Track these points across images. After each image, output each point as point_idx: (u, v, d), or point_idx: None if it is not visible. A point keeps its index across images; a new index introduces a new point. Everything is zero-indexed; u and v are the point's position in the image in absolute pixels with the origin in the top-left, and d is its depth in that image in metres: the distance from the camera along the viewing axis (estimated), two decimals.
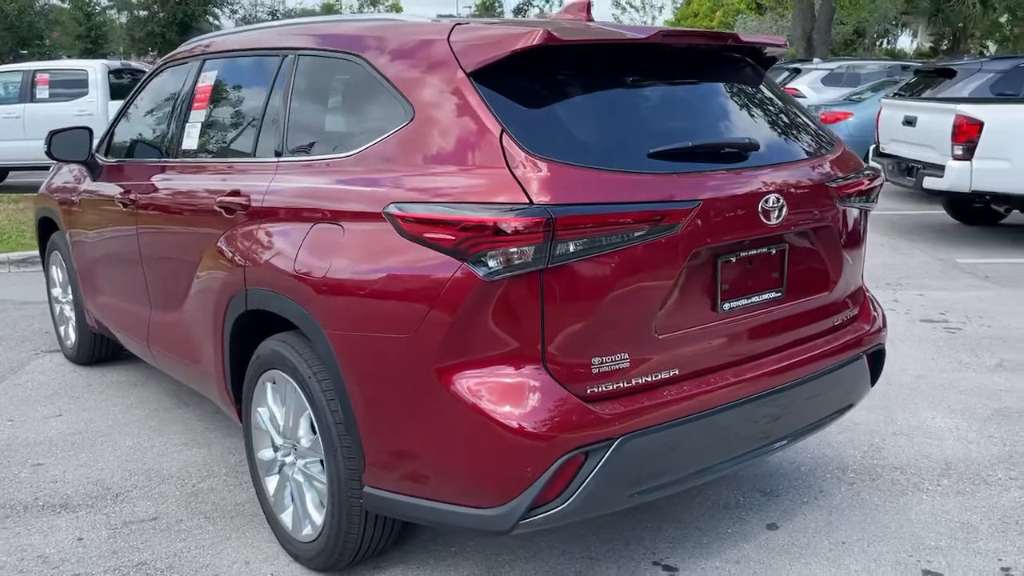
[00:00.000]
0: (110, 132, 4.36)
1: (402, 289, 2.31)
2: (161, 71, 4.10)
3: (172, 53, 4.09)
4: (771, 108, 2.81)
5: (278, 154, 2.94)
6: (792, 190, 2.54)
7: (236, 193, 3.02)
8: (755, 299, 2.56)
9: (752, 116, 2.72)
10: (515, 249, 2.13)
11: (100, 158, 4.32)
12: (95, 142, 4.30)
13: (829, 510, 3.29)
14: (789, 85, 15.59)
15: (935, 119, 8.06)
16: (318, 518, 2.78)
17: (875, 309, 3.09)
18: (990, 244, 8.55)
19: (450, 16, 2.95)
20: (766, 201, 2.46)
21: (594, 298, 2.23)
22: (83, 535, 3.16)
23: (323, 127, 2.82)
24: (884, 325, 3.06)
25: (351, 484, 2.59)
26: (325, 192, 2.62)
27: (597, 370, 2.27)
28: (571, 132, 2.34)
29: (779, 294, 2.62)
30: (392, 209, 2.36)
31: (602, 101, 2.45)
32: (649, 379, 2.36)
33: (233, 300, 2.99)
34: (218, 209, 3.09)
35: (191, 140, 3.52)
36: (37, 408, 4.39)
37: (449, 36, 2.47)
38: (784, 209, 2.50)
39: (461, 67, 2.38)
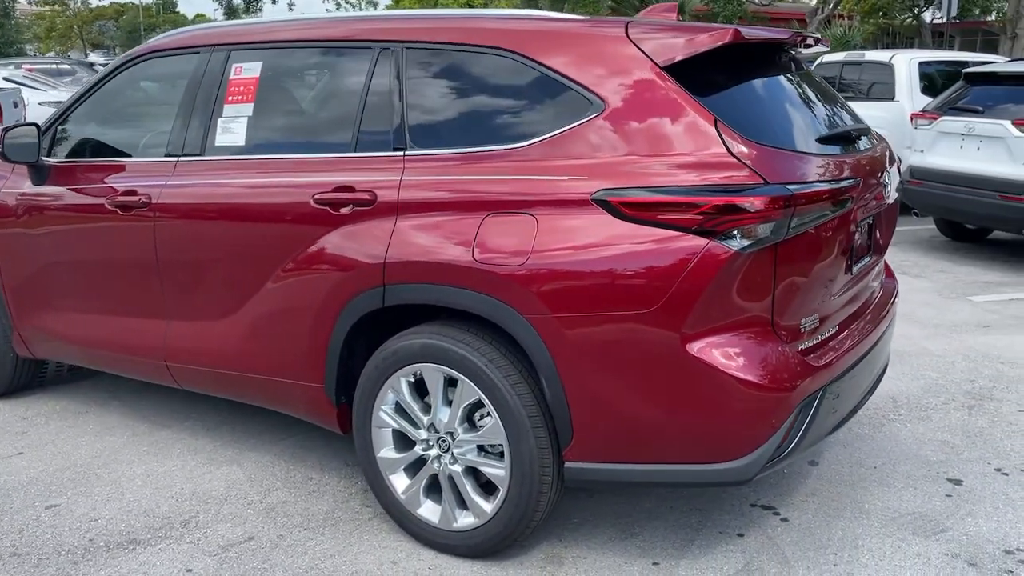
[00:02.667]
0: (52, 130, 3.87)
1: (635, 267, 2.46)
2: (135, 63, 3.72)
3: (154, 43, 3.73)
4: (836, 96, 3.28)
5: (399, 148, 2.91)
6: (887, 167, 3.04)
7: (347, 188, 2.93)
8: (863, 261, 3.02)
9: (838, 103, 3.16)
10: (759, 225, 2.39)
11: (45, 159, 3.83)
12: None
13: (843, 445, 3.87)
14: None
15: None
16: (486, 505, 2.82)
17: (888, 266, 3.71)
18: None
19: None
20: (882, 177, 2.93)
21: (807, 265, 2.56)
22: (190, 566, 2.90)
23: (469, 120, 2.82)
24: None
25: (543, 463, 2.69)
26: (500, 183, 2.67)
27: (803, 329, 2.60)
28: (760, 119, 2.63)
29: (870, 257, 3.10)
30: (605, 195, 2.50)
31: (768, 91, 2.76)
32: (828, 334, 2.74)
33: (356, 299, 2.90)
34: (318, 206, 2.98)
35: (232, 136, 3.29)
36: None
37: (628, 34, 2.65)
38: (889, 183, 2.99)
39: (654, 62, 2.58)
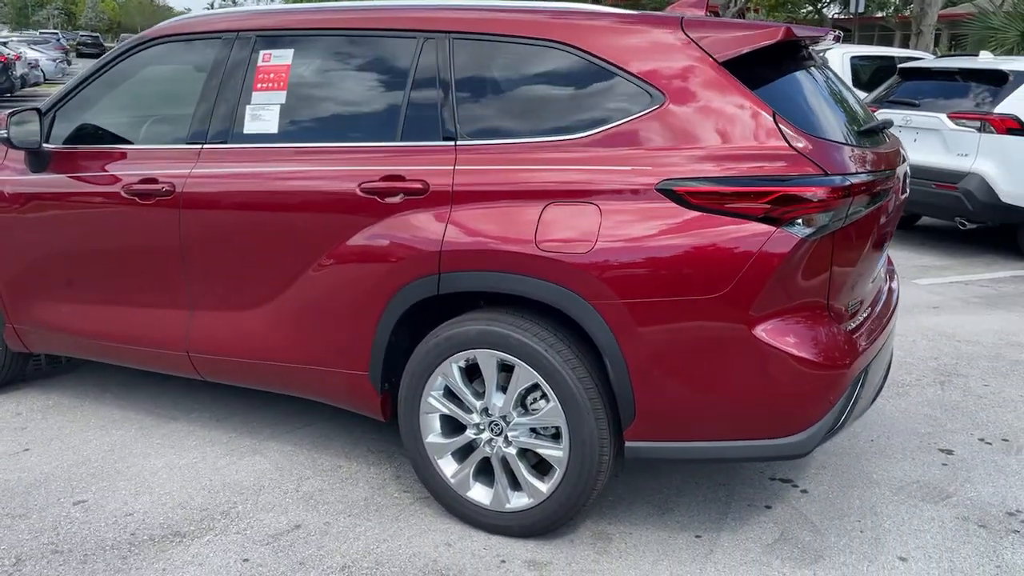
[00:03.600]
0: (51, 115, 3.73)
1: (703, 254, 2.57)
2: (144, 47, 3.62)
3: (165, 27, 3.64)
4: (852, 89, 3.46)
5: (448, 138, 2.95)
6: (904, 160, 3.24)
7: (396, 178, 2.95)
8: (883, 248, 3.22)
9: (855, 96, 3.34)
10: (820, 214, 2.54)
11: (46, 145, 3.70)
12: None
13: None
14: None
15: None
16: (542, 486, 2.90)
17: None
18: None
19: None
20: (903, 169, 3.13)
21: (857, 252, 2.73)
22: (245, 555, 2.89)
23: (524, 112, 2.86)
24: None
25: (602, 442, 2.79)
26: (560, 172, 2.74)
27: (849, 311, 2.78)
28: (809, 113, 2.77)
29: (885, 244, 3.31)
30: (670, 184, 2.61)
31: (808, 86, 2.90)
32: (864, 316, 2.92)
33: (408, 286, 2.93)
34: (364, 195, 2.99)
35: (262, 123, 3.26)
36: None
37: (684, 29, 2.75)
38: (907, 176, 3.20)
39: (712, 57, 2.69)
